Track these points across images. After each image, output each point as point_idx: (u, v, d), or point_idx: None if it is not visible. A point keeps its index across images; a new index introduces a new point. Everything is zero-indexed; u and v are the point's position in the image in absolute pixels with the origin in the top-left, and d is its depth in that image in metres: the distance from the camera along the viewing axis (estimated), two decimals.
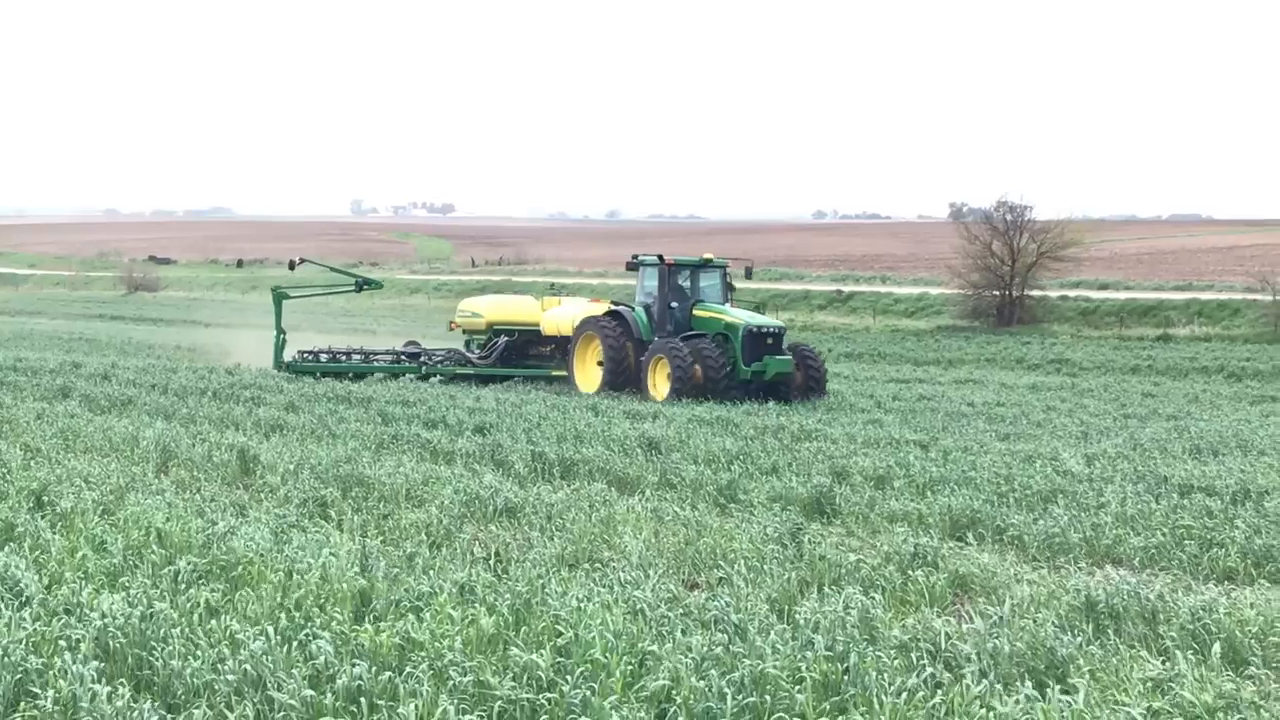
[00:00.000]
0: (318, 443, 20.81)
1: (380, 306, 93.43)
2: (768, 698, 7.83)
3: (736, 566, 12.05)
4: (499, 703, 7.88)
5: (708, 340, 33.77)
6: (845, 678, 8.18)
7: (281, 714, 7.93)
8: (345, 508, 14.95)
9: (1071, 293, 77.53)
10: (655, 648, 8.75)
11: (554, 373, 38.12)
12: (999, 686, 8.15)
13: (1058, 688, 8.11)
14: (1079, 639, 9.42)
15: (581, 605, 9.67)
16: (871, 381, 42.84)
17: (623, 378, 34.63)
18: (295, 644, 8.83)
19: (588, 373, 35.89)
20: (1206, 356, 53.77)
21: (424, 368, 38.11)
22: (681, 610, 10.16)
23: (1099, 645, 9.46)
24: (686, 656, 8.47)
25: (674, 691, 7.95)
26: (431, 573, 11.31)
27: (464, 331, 41.60)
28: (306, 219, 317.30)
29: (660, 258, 35.80)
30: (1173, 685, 8.24)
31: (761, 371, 33.40)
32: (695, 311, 34.99)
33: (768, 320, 35.86)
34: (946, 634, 9.35)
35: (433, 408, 26.47)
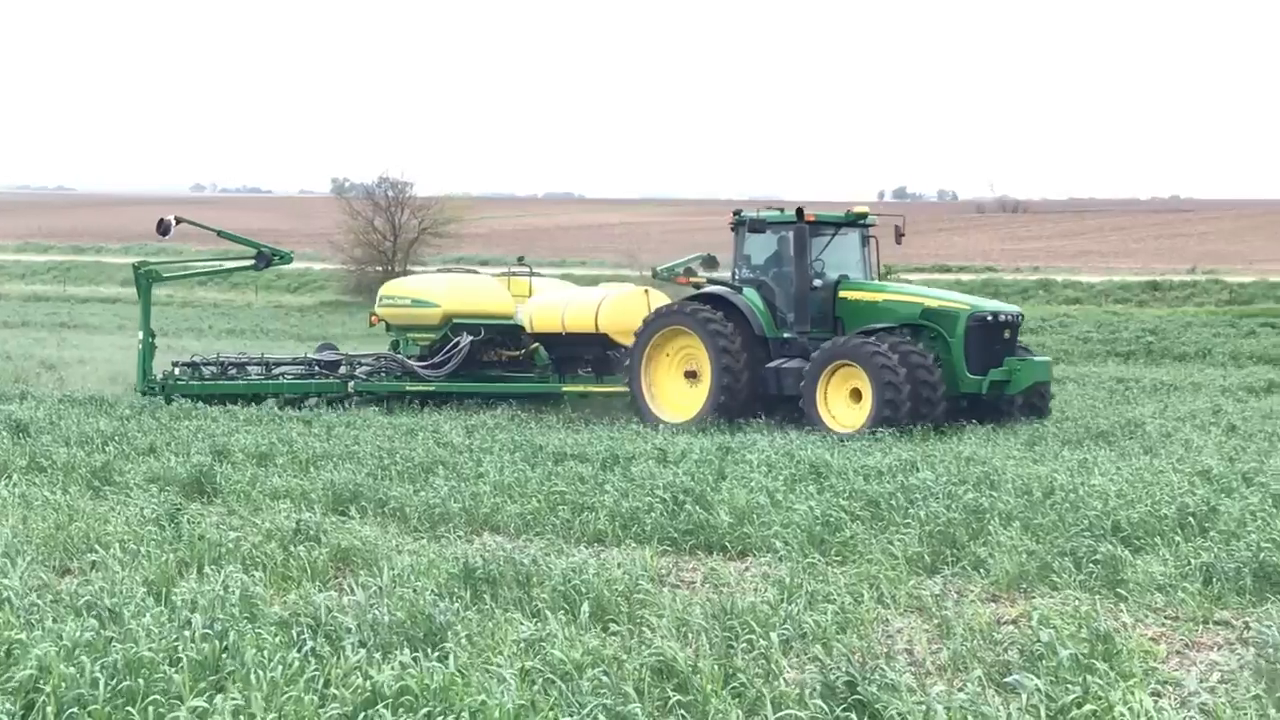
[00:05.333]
0: None
1: None
2: (142, 680, 7.64)
3: (112, 550, 11.65)
4: None
5: (902, 336, 22.79)
6: (224, 656, 8.10)
7: None
8: None
9: (452, 269, 79.22)
10: (24, 637, 8.35)
11: (568, 388, 27.68)
12: (378, 655, 8.28)
13: (434, 653, 8.33)
14: (457, 605, 9.70)
15: None
16: None
17: (742, 397, 23.49)
18: None
19: (670, 390, 24.58)
20: None
21: (352, 383, 27.20)
22: (52, 597, 9.73)
23: (476, 610, 9.76)
24: (57, 644, 8.13)
25: (42, 681, 7.61)
26: None
27: (392, 328, 30.00)
28: None
29: (798, 213, 24.20)
30: (544, 644, 8.61)
31: (1004, 381, 22.78)
32: (842, 293, 24.03)
33: (1001, 305, 24.75)
34: (328, 607, 9.40)
35: None
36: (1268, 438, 19.77)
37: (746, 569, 12.06)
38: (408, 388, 27.26)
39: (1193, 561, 11.21)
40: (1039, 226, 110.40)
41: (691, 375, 24.19)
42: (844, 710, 7.37)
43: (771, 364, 23.49)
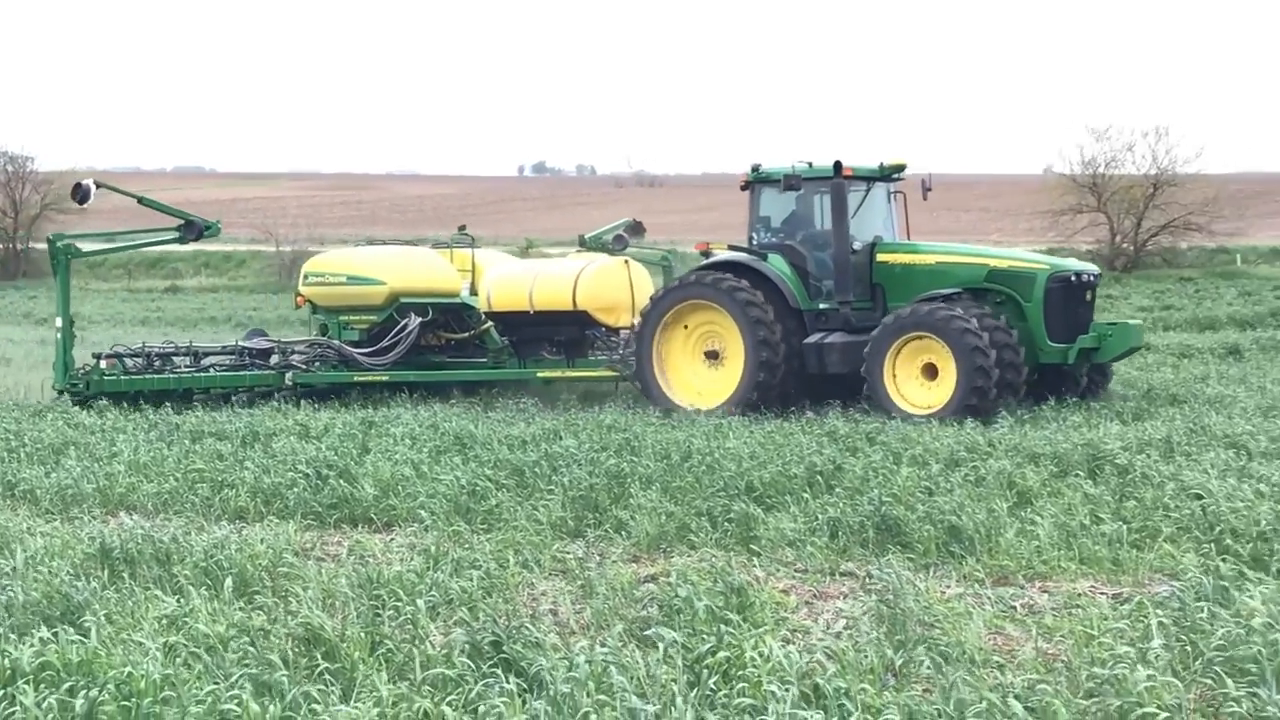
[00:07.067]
0: None
1: None
2: None
3: None
4: None
5: (968, 303, 19.83)
6: None
7: None
8: None
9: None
10: None
11: (543, 374, 23.76)
12: (14, 635, 8.08)
13: (72, 630, 8.16)
14: (95, 584, 9.50)
15: None
16: None
17: (780, 377, 20.42)
18: None
19: (687, 373, 21.31)
20: (215, 307, 54.95)
21: (290, 374, 23.87)
22: None
23: (115, 589, 9.58)
24: None
25: None
26: None
27: (320, 310, 25.79)
28: None
29: (836, 166, 20.90)
30: (187, 620, 8.52)
31: (1093, 348, 20.07)
32: (881, 256, 21.01)
33: (1080, 263, 22.02)
34: None
35: None
36: None
37: (392, 539, 12.12)
38: (356, 378, 24.13)
39: (820, 517, 11.78)
40: (674, 200, 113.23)
41: (712, 355, 21.14)
42: (490, 667, 7.52)
43: (810, 339, 20.54)
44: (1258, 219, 73.03)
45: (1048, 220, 61.40)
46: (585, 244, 26.35)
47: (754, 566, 10.71)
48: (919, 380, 19.54)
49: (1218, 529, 10.85)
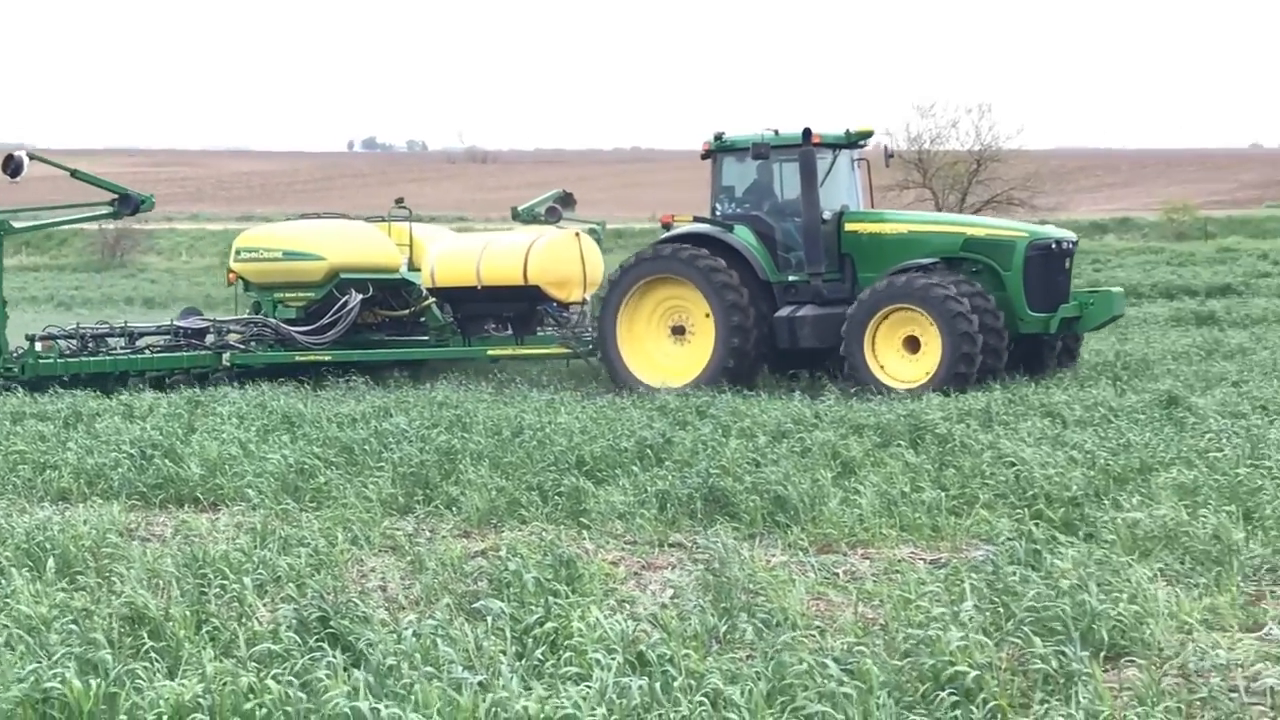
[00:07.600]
0: None
1: None
2: None
3: None
4: None
5: (948, 272, 19.40)
6: None
7: None
8: None
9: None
10: None
11: (494, 352, 22.93)
12: None
13: None
14: None
15: None
16: None
17: (752, 352, 19.91)
18: None
19: (652, 350, 20.60)
20: (36, 286, 53.69)
21: (229, 355, 22.82)
22: None
23: None
24: None
25: None
26: None
27: (253, 287, 24.57)
28: None
29: (805, 134, 20.30)
30: (9, 601, 8.41)
31: (1074, 317, 19.79)
32: (850, 226, 20.42)
33: (1058, 230, 21.48)
34: None
35: None
36: None
37: (219, 519, 12.02)
38: (296, 358, 22.98)
39: (649, 489, 11.92)
40: (507, 176, 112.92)
41: (679, 331, 20.49)
42: (317, 641, 7.53)
43: (782, 313, 19.96)
44: (1077, 193, 75.01)
45: (875, 196, 62.27)
46: (518, 216, 25.80)
47: (584, 539, 10.82)
48: (900, 353, 19.15)
49: (1031, 494, 11.22)
